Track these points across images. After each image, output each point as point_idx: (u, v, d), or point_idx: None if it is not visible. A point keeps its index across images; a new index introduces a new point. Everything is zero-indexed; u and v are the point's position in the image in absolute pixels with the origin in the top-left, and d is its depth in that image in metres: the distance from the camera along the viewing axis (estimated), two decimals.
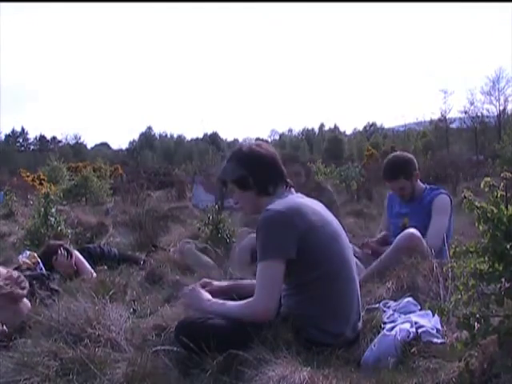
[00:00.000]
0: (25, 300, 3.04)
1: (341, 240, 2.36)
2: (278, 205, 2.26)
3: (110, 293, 3.12)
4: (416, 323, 2.23)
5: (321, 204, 2.49)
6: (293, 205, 2.28)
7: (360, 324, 2.36)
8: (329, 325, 2.23)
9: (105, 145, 63.80)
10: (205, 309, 2.31)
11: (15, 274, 3.09)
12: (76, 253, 4.24)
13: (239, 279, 2.87)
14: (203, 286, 2.57)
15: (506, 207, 1.68)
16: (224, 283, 2.73)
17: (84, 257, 4.30)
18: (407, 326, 2.21)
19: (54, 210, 6.47)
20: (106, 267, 4.23)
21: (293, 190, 2.45)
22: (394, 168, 3.67)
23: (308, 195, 2.54)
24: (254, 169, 2.38)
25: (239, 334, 2.12)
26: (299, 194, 2.45)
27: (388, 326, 2.28)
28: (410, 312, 2.42)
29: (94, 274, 4.03)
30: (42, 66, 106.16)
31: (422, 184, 3.74)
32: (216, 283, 2.67)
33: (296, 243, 2.19)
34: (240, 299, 2.30)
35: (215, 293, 2.54)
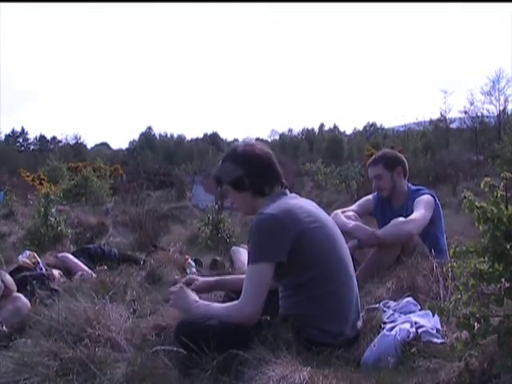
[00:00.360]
0: (25, 300, 3.04)
1: (336, 239, 2.35)
2: (270, 208, 2.25)
3: (110, 293, 3.12)
4: (416, 323, 2.23)
5: (315, 204, 2.49)
6: (285, 207, 2.27)
7: (360, 323, 2.36)
8: (328, 324, 2.23)
9: (105, 145, 63.72)
10: (191, 310, 2.32)
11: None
12: (68, 256, 4.25)
13: (225, 274, 2.91)
14: (188, 284, 2.60)
15: (506, 207, 1.68)
16: (210, 279, 2.78)
17: (84, 257, 4.30)
18: (407, 325, 2.21)
19: (53, 210, 6.48)
20: (105, 267, 4.24)
21: (287, 190, 2.44)
22: (378, 155, 3.73)
23: None
24: (250, 169, 2.36)
25: (239, 334, 2.12)
26: (293, 195, 2.45)
27: (388, 325, 2.27)
28: (410, 312, 2.42)
29: (94, 275, 4.04)
30: (42, 66, 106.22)
31: (406, 186, 3.65)
32: (202, 279, 2.72)
33: (288, 246, 2.18)
34: (226, 295, 2.35)
35: (202, 288, 2.61)
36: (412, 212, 3.35)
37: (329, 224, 2.38)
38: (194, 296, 2.40)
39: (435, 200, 3.49)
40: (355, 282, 2.38)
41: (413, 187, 3.66)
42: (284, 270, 2.21)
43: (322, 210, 2.47)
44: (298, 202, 2.36)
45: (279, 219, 2.20)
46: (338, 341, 2.21)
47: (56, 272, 3.93)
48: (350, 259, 2.42)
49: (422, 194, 3.50)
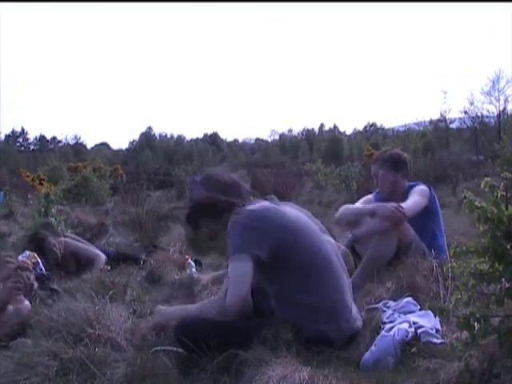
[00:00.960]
0: (25, 300, 3.04)
1: (318, 239, 2.37)
2: (252, 206, 2.34)
3: (110, 293, 3.12)
4: (415, 323, 2.23)
5: (297, 206, 2.53)
6: (267, 206, 2.35)
7: (359, 322, 2.35)
8: (321, 323, 2.21)
9: (105, 145, 63.58)
10: (177, 317, 2.37)
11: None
12: (71, 242, 4.28)
13: None
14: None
15: (506, 207, 1.68)
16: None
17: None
18: (406, 326, 2.21)
19: (54, 210, 6.48)
20: (109, 267, 4.24)
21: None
22: (386, 155, 3.71)
23: None
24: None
25: (239, 334, 2.12)
26: (273, 201, 2.48)
27: (387, 326, 2.27)
28: (410, 312, 2.41)
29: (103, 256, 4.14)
30: (42, 66, 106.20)
31: (406, 185, 3.68)
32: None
33: (267, 243, 2.22)
34: None
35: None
36: None
37: (310, 224, 2.40)
38: (169, 308, 2.58)
39: (430, 191, 3.53)
40: (345, 280, 2.38)
41: (409, 183, 3.69)
42: (271, 270, 2.25)
43: (302, 211, 2.50)
44: (279, 205, 2.41)
45: (259, 216, 2.27)
46: (334, 338, 2.20)
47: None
48: (336, 257, 2.41)
49: (417, 185, 3.57)
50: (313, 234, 2.37)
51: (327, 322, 2.23)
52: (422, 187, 3.53)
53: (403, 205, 3.28)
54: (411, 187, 3.58)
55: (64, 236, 4.57)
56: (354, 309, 2.38)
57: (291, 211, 2.41)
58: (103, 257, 4.29)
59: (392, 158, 3.67)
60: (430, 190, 3.53)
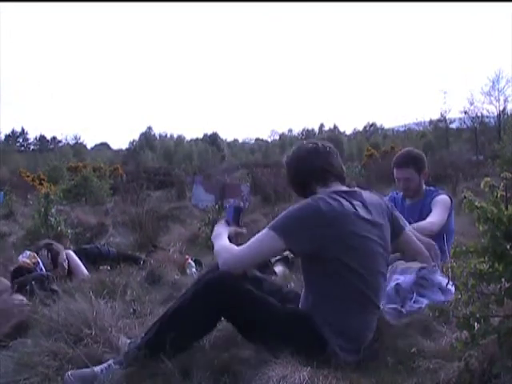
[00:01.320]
0: (25, 300, 3.04)
1: (375, 268, 2.18)
2: (324, 199, 2.14)
3: (110, 293, 3.12)
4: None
5: (374, 203, 2.30)
6: (336, 209, 2.12)
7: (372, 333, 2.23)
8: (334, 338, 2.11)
9: (105, 145, 63.58)
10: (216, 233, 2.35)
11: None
12: (71, 254, 4.24)
13: None
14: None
15: (506, 207, 1.68)
16: None
17: (81, 258, 4.29)
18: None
19: (53, 210, 6.48)
20: (109, 267, 4.23)
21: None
22: (408, 156, 3.71)
23: None
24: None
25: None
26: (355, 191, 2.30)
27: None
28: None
29: (87, 274, 4.05)
30: (42, 66, 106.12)
31: (424, 185, 3.74)
32: None
33: (311, 247, 2.10)
34: None
35: None
36: (429, 210, 3.46)
37: (373, 235, 2.18)
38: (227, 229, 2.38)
39: (451, 201, 3.57)
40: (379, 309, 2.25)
41: (428, 187, 3.72)
42: (309, 270, 2.21)
43: (377, 210, 2.28)
44: (350, 204, 2.18)
45: (322, 217, 2.09)
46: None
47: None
48: (384, 276, 2.27)
49: (440, 194, 3.58)
50: (371, 259, 2.16)
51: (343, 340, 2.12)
52: (445, 199, 3.53)
53: (430, 220, 3.34)
54: (432, 192, 3.63)
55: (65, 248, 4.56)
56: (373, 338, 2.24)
57: (362, 224, 2.16)
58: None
59: (415, 160, 3.68)
60: (451, 199, 3.58)
